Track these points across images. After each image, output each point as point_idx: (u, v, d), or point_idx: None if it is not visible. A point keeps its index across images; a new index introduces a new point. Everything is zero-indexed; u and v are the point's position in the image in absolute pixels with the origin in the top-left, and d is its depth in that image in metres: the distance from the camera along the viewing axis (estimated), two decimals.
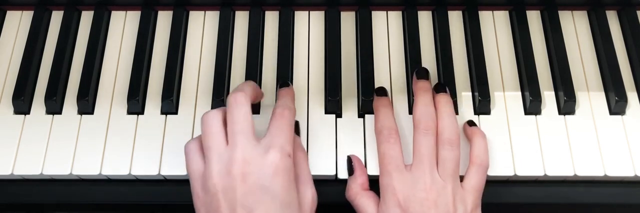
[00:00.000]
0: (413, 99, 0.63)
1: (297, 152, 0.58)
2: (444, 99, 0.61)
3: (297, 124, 0.62)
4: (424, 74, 0.64)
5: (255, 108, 0.65)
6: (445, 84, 0.64)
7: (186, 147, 0.57)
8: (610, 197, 0.62)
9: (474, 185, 0.58)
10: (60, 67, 0.67)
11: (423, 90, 0.62)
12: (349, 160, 0.61)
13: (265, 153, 0.53)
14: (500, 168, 0.61)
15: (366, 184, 0.60)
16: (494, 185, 0.60)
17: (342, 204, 0.62)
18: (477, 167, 0.59)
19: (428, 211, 0.55)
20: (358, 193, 0.59)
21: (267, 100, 0.65)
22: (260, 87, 0.66)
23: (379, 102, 0.62)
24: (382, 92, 0.63)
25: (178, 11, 0.70)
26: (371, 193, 0.59)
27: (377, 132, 0.60)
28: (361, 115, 0.64)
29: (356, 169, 0.60)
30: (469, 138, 0.61)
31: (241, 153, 0.53)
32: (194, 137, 0.58)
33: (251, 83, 0.59)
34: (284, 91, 0.62)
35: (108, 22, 0.71)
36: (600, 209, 0.63)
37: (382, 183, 0.57)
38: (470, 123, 0.62)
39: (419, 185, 0.56)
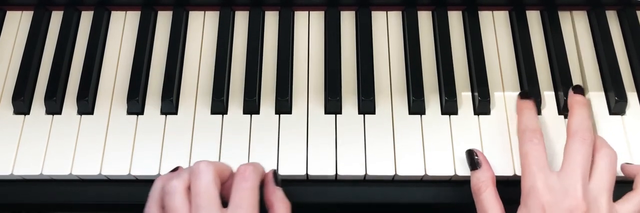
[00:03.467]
0: (411, 98, 0.63)
1: (275, 208, 0.54)
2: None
3: (275, 174, 0.57)
4: (580, 90, 0.62)
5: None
6: (445, 84, 0.64)
7: (145, 211, 0.54)
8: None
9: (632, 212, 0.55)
10: (60, 67, 0.67)
11: (581, 103, 0.61)
12: (471, 153, 0.59)
13: None
14: (501, 169, 0.61)
15: (494, 178, 0.58)
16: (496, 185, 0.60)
17: (342, 204, 0.62)
18: None
19: None
20: (488, 186, 0.57)
21: (267, 100, 0.65)
22: (260, 88, 0.66)
23: (524, 104, 0.62)
24: (525, 95, 0.63)
25: (178, 11, 0.70)
26: (497, 194, 0.57)
27: (521, 132, 0.58)
28: (361, 115, 0.64)
29: (483, 163, 0.58)
30: (633, 173, 0.58)
31: None
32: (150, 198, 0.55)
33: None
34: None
35: (108, 22, 0.71)
36: None
37: (525, 184, 0.55)
38: (627, 163, 0.60)
39: (570, 192, 0.53)
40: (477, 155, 0.59)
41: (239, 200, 0.52)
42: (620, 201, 0.56)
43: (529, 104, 0.62)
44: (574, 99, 0.62)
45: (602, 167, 0.56)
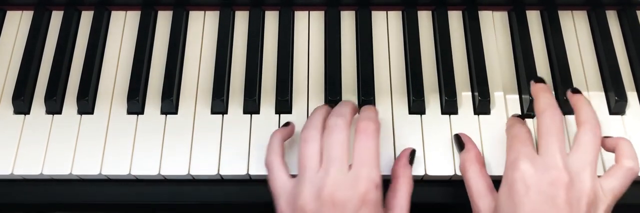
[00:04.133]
0: (411, 98, 0.63)
1: (399, 183, 0.58)
2: (582, 97, 0.60)
3: (413, 153, 0.60)
4: (541, 79, 0.62)
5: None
6: (445, 84, 0.64)
7: (268, 160, 0.57)
8: None
9: (614, 189, 0.53)
10: (60, 67, 0.67)
11: (542, 90, 0.60)
12: (457, 136, 0.62)
13: (355, 183, 0.53)
14: (500, 169, 0.61)
15: (480, 157, 0.59)
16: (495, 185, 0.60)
17: None
18: (627, 171, 0.54)
19: (557, 192, 0.51)
20: (472, 164, 0.58)
21: (267, 100, 0.65)
22: (260, 88, 0.66)
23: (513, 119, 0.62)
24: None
25: (178, 11, 0.70)
26: (484, 170, 0.58)
27: (508, 126, 0.59)
28: None
29: (467, 143, 0.60)
30: (613, 146, 0.57)
31: (333, 180, 0.52)
32: (266, 147, 0.58)
33: (350, 105, 0.59)
34: (368, 106, 0.60)
35: (108, 22, 0.71)
36: None
37: (508, 158, 0.55)
38: (606, 136, 0.59)
39: (551, 164, 0.52)
40: (461, 137, 0.61)
41: (362, 158, 0.54)
42: (603, 176, 0.55)
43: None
44: (536, 86, 0.61)
45: (585, 141, 0.55)
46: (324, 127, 0.56)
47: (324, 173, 0.53)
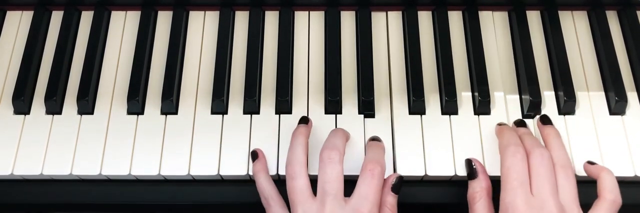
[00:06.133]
0: (411, 98, 0.63)
1: (382, 211, 0.57)
2: (553, 131, 0.61)
3: (399, 179, 0.58)
4: (524, 124, 0.63)
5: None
6: (445, 84, 0.64)
7: (267, 197, 0.58)
8: None
9: None
10: (60, 67, 0.67)
11: (505, 128, 0.62)
12: (469, 162, 0.61)
13: None
14: (499, 170, 0.61)
15: (490, 189, 0.58)
16: (495, 185, 0.60)
17: None
18: (610, 204, 0.56)
19: None
20: (482, 197, 0.58)
21: (267, 100, 0.65)
22: (260, 88, 0.66)
23: (503, 127, 0.62)
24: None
25: (178, 11, 0.70)
26: (491, 204, 0.58)
27: (503, 147, 0.59)
28: (361, 115, 0.64)
29: (480, 173, 0.59)
30: (595, 176, 0.58)
31: (330, 212, 0.53)
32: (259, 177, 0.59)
33: (341, 134, 0.59)
34: (376, 144, 0.61)
35: (108, 22, 0.71)
36: None
37: (505, 200, 0.55)
38: (591, 162, 0.61)
39: (545, 208, 0.54)
40: (474, 165, 0.60)
41: (365, 193, 0.54)
42: (591, 210, 0.56)
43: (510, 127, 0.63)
44: (521, 131, 0.62)
45: (563, 179, 0.57)
46: (305, 153, 0.57)
47: (320, 206, 0.54)
